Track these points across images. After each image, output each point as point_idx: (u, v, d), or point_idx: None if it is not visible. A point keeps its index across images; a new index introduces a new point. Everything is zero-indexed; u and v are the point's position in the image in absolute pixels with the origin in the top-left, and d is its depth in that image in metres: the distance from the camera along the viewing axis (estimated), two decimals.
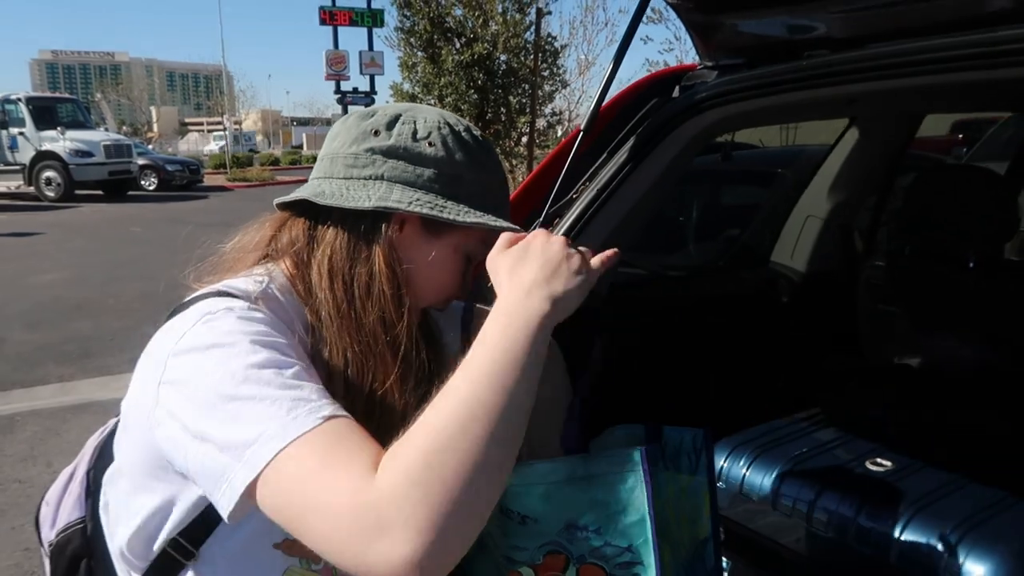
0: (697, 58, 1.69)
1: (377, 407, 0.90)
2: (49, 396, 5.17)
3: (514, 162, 7.97)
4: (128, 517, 0.89)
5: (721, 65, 1.59)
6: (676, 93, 1.66)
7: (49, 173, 18.64)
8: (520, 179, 8.22)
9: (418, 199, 0.91)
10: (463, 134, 0.96)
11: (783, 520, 1.41)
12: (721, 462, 1.47)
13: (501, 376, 0.72)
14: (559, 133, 8.49)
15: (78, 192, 18.58)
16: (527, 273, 0.81)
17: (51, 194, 18.55)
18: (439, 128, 0.94)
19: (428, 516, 0.62)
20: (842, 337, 2.32)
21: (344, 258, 0.91)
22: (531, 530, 0.97)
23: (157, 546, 0.89)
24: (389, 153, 0.92)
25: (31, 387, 5.36)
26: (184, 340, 0.80)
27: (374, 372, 0.90)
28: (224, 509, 0.72)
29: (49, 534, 1.05)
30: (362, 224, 0.92)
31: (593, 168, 1.64)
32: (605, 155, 1.64)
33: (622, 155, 1.61)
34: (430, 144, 0.93)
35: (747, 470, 1.45)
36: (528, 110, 7.20)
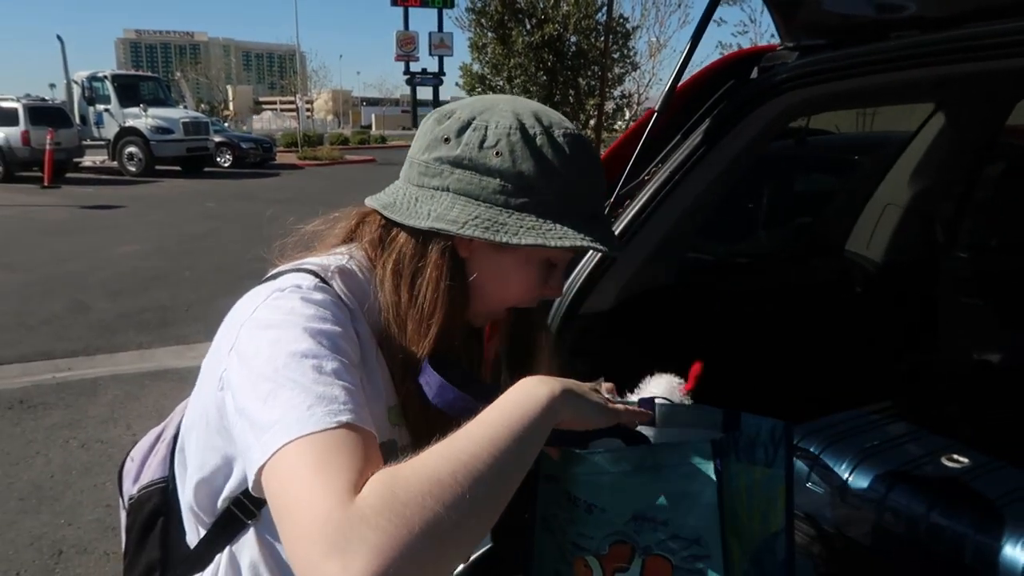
0: (776, 39, 1.65)
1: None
2: (129, 362, 5.40)
3: None
4: (196, 470, 0.93)
5: (803, 46, 1.55)
6: (754, 75, 1.62)
7: (131, 149, 19.38)
8: None
9: (476, 217, 0.89)
10: (538, 138, 0.90)
11: (851, 513, 1.38)
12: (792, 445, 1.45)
13: (503, 445, 0.73)
14: (627, 116, 8.39)
15: (158, 167, 19.26)
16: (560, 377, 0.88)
17: (133, 169, 19.29)
18: (508, 135, 0.89)
19: (384, 551, 0.61)
20: (919, 330, 2.24)
21: (407, 265, 0.93)
22: (597, 519, 0.98)
23: (221, 502, 0.92)
24: (456, 163, 0.90)
25: (112, 353, 5.62)
26: (255, 313, 0.84)
27: None
28: (248, 483, 0.75)
29: (131, 488, 1.10)
30: (427, 236, 0.92)
31: (666, 150, 1.62)
32: (679, 137, 1.62)
33: (696, 137, 1.58)
34: (497, 154, 0.89)
35: (816, 459, 1.42)
36: (597, 92, 7.13)
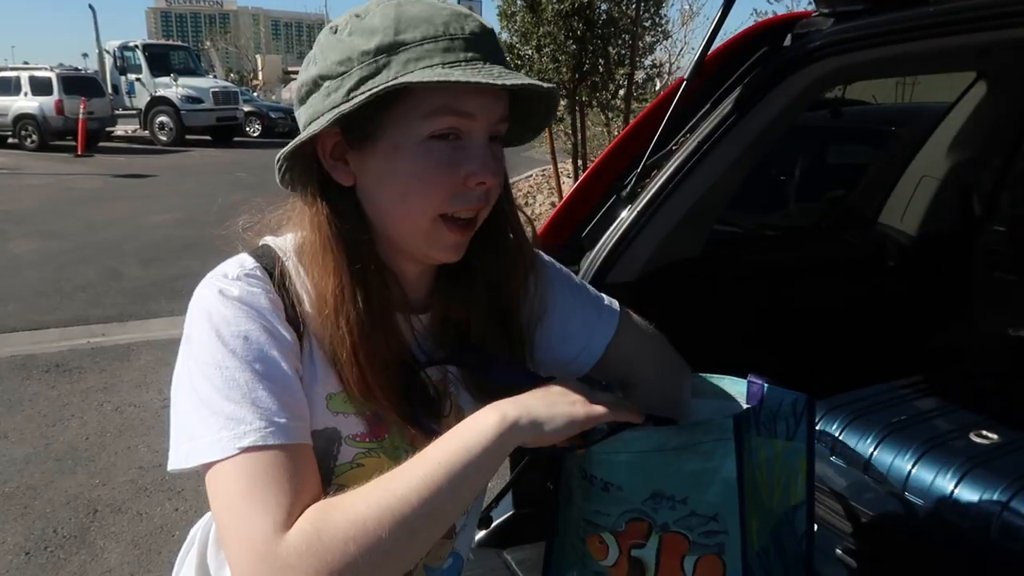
0: (812, 5, 1.60)
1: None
2: (160, 329, 5.50)
3: (610, 115, 7.83)
4: None
5: (839, 12, 1.50)
6: (787, 42, 1.58)
7: (162, 118, 19.55)
8: (617, 132, 8.07)
9: (319, 114, 0.78)
10: (340, 22, 0.80)
11: (875, 487, 1.37)
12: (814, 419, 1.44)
13: (437, 487, 0.71)
14: (658, 86, 8.27)
15: (188, 137, 19.41)
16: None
17: (164, 138, 19.48)
18: (319, 42, 0.81)
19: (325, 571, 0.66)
20: (953, 304, 2.20)
21: (305, 235, 0.84)
22: (614, 497, 0.97)
23: None
24: (300, 101, 0.82)
25: (145, 319, 5.73)
26: (193, 302, 0.81)
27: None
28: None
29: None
30: (298, 187, 0.85)
31: (695, 119, 1.60)
32: (708, 106, 1.60)
33: (726, 106, 1.55)
34: (313, 61, 0.80)
35: (841, 433, 1.41)
36: (627, 61, 7.03)
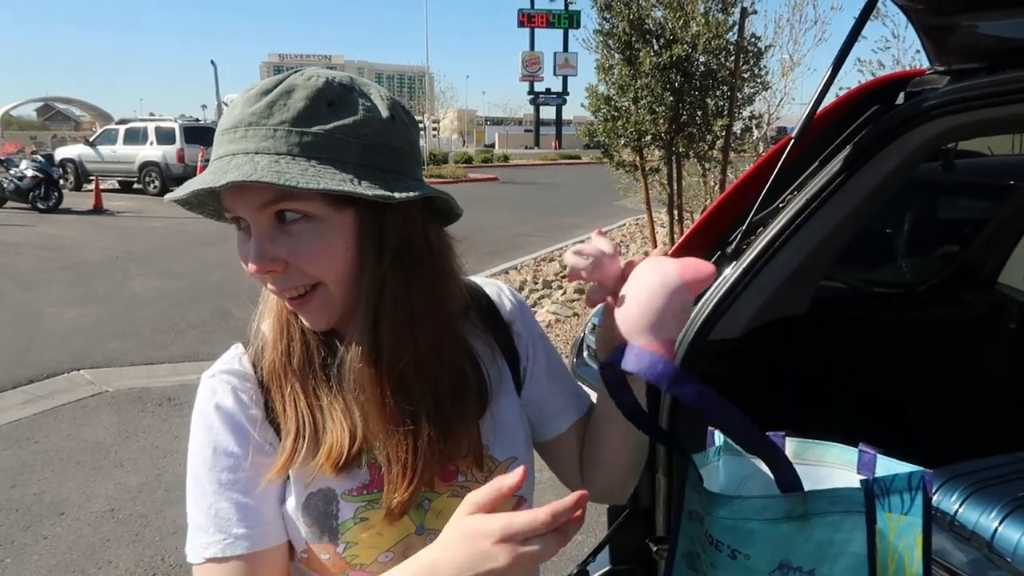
0: (921, 54, 1.58)
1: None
2: None
3: (707, 166, 7.77)
4: None
5: (955, 70, 1.47)
6: (900, 100, 1.56)
7: None
8: (713, 184, 7.99)
9: None
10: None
11: (999, 567, 1.29)
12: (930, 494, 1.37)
13: None
14: (755, 136, 8.18)
15: None
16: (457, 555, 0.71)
17: None
18: None
19: None
20: None
21: None
22: (741, 566, 0.96)
23: None
24: None
25: None
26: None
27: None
28: None
29: None
30: None
31: (803, 177, 1.59)
32: (817, 164, 1.58)
33: (835, 164, 1.54)
34: None
35: (960, 506, 1.34)
36: (725, 113, 6.99)
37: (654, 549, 1.60)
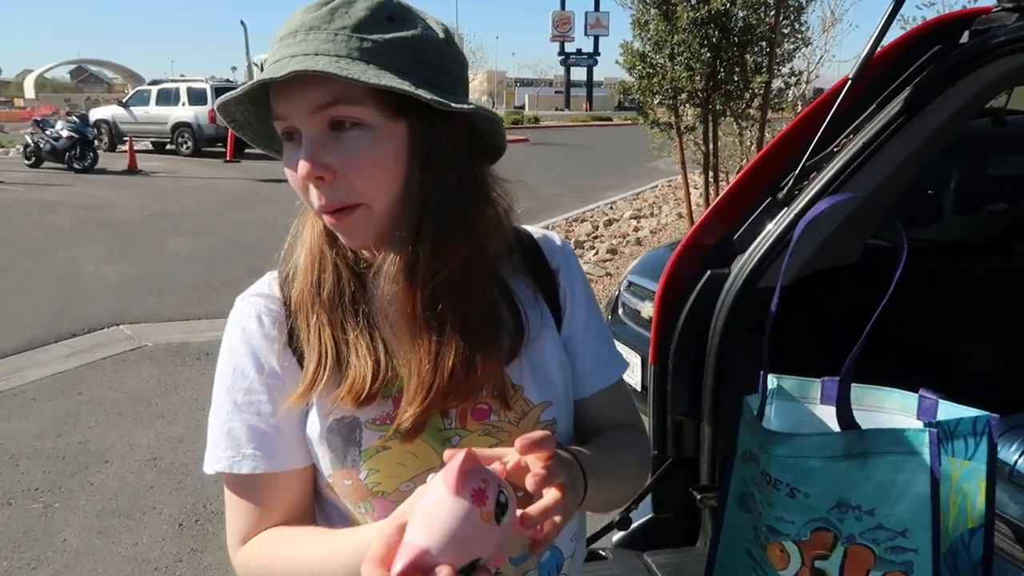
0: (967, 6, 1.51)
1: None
2: None
3: (744, 124, 7.61)
4: None
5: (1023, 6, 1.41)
6: (965, 39, 1.50)
7: None
8: (749, 144, 7.84)
9: None
10: None
11: None
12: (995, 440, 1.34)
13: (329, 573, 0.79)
14: (790, 96, 7.98)
15: None
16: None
17: None
18: None
19: None
20: None
21: None
22: (800, 504, 0.95)
23: None
24: None
25: None
26: None
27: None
28: None
29: None
30: None
31: (859, 120, 1.53)
32: (874, 107, 1.53)
33: (895, 106, 1.48)
34: None
35: (1020, 457, 1.31)
36: (764, 69, 6.82)
37: (698, 497, 1.60)
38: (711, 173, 7.46)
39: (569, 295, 0.95)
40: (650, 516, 1.70)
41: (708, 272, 1.58)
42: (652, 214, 10.56)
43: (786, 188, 1.55)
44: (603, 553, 1.61)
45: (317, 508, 0.92)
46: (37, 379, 4.73)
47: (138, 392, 4.53)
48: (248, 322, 0.87)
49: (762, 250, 1.53)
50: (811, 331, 1.20)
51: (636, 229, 9.32)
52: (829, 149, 1.53)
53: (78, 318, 5.87)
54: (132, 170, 15.85)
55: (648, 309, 3.35)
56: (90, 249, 8.39)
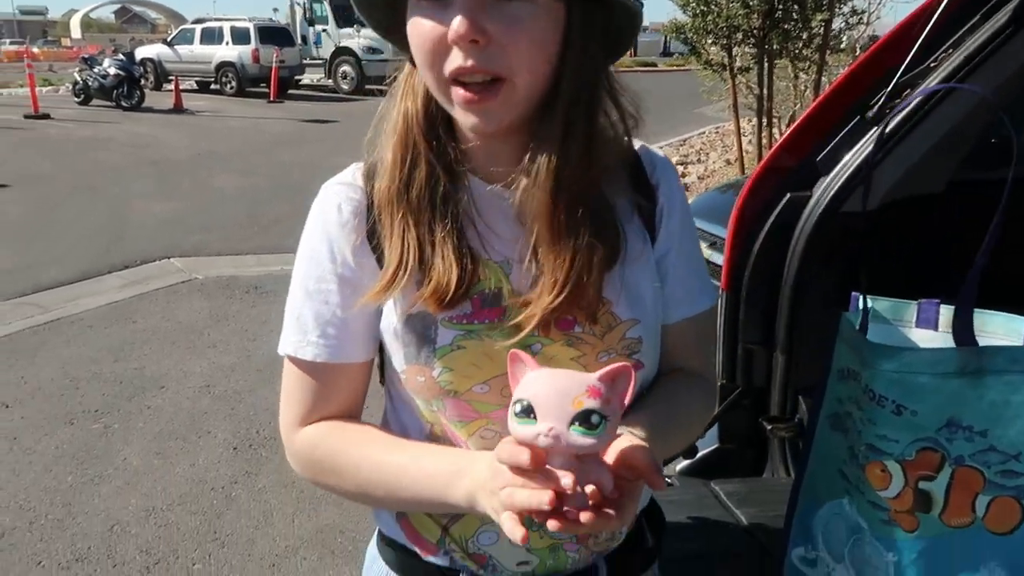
0: None
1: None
2: None
3: (800, 67, 7.34)
4: None
5: None
6: None
7: (345, 67, 20.53)
8: (804, 88, 7.57)
9: None
10: None
11: None
12: None
13: (396, 497, 0.83)
14: (855, 37, 7.66)
15: (368, 86, 20.31)
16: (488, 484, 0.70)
17: (345, 87, 20.47)
18: None
19: (302, 476, 0.90)
20: None
21: None
22: (906, 422, 0.90)
23: None
24: None
25: None
26: None
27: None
28: None
29: None
30: None
31: (961, 32, 1.43)
32: (979, 17, 1.42)
33: (1002, 16, 1.38)
34: None
35: None
36: (825, 7, 6.53)
37: (768, 428, 1.56)
38: (764, 118, 7.23)
39: (666, 212, 0.91)
40: (715, 446, 1.66)
41: (788, 195, 1.51)
42: (699, 160, 10.34)
43: (876, 106, 1.46)
44: (669, 480, 1.59)
45: (388, 406, 0.92)
46: (93, 308, 4.84)
47: (190, 323, 4.61)
48: (328, 210, 0.85)
49: (847, 172, 1.46)
50: (894, 259, 1.13)
51: (683, 175, 9.13)
52: (926, 64, 1.44)
53: (130, 251, 5.98)
54: (178, 109, 15.95)
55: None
56: (139, 185, 8.50)
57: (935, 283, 1.34)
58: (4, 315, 4.68)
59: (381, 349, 0.89)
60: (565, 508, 0.63)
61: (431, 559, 0.90)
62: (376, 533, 0.98)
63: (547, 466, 0.63)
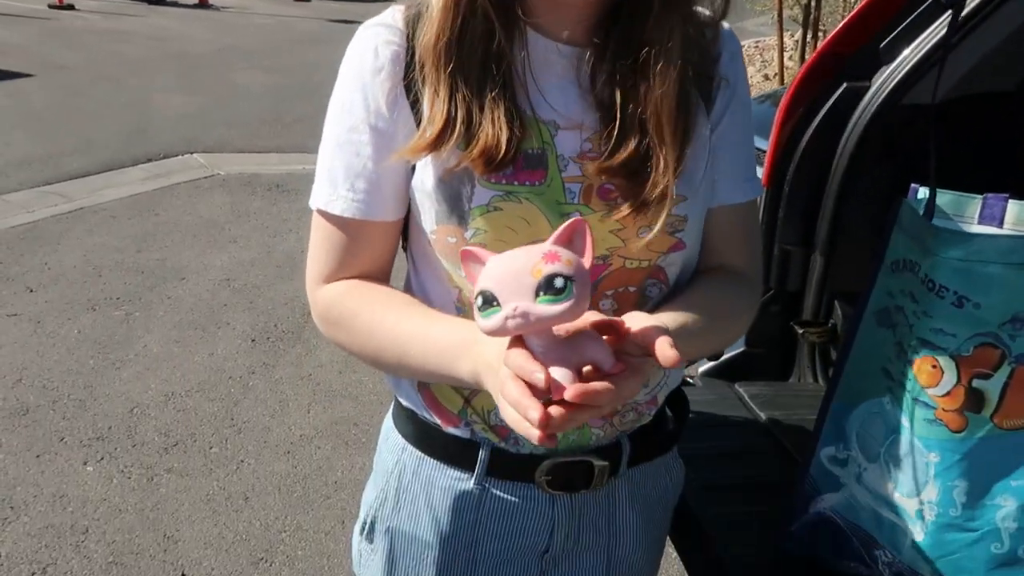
0: None
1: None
2: None
3: None
4: None
5: None
6: None
7: None
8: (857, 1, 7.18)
9: None
10: None
11: None
12: None
13: (407, 364, 0.79)
14: None
15: None
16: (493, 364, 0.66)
17: None
18: None
19: (322, 333, 0.88)
20: None
21: None
22: (967, 315, 0.83)
23: None
24: None
25: None
26: None
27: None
28: None
29: None
30: None
31: None
32: None
33: None
34: None
35: None
36: None
37: (800, 332, 1.49)
38: (809, 30, 6.89)
39: (724, 86, 0.83)
40: (742, 349, 1.61)
41: (844, 84, 1.39)
42: None
43: None
44: (691, 380, 1.54)
45: (412, 272, 0.88)
46: (116, 199, 4.82)
47: (211, 217, 4.58)
48: (364, 54, 0.79)
49: (913, 61, 1.34)
50: (952, 159, 1.04)
51: None
52: None
53: (153, 144, 5.91)
54: (203, 4, 15.57)
55: None
56: (160, 78, 8.34)
57: (997, 184, 1.25)
58: (29, 203, 4.66)
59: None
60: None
61: (451, 430, 0.86)
62: (392, 406, 0.94)
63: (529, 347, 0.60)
